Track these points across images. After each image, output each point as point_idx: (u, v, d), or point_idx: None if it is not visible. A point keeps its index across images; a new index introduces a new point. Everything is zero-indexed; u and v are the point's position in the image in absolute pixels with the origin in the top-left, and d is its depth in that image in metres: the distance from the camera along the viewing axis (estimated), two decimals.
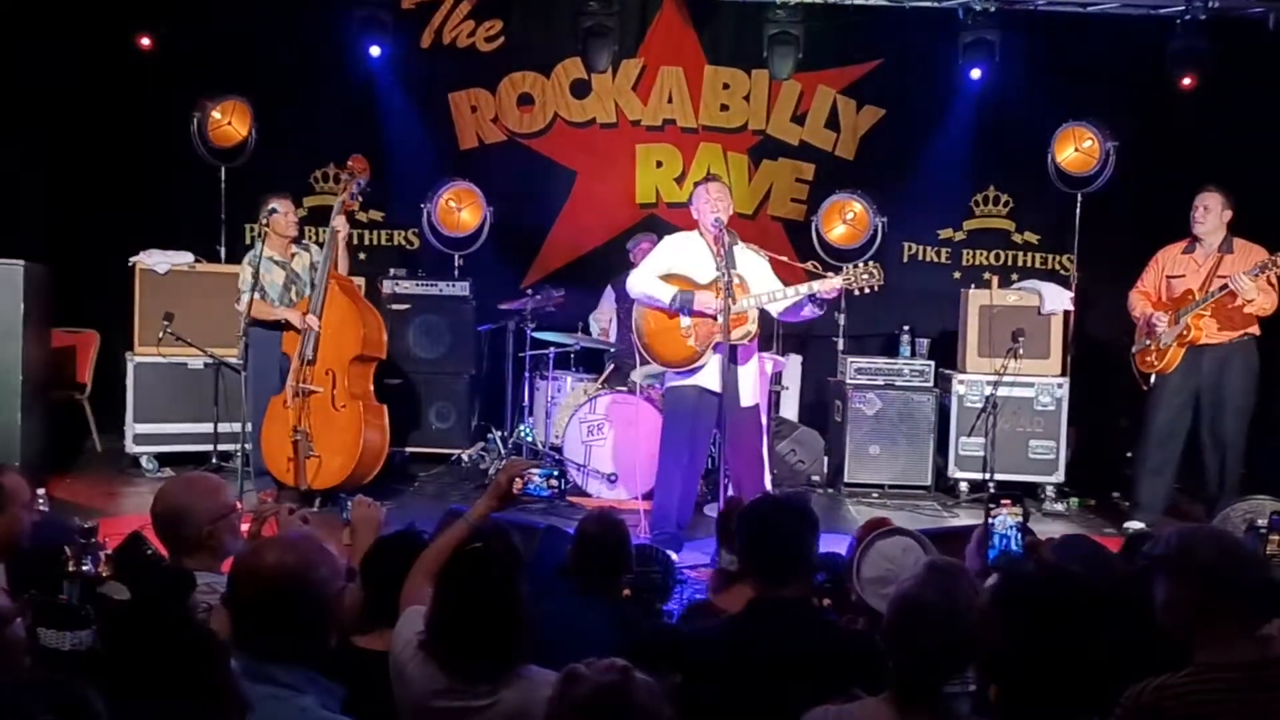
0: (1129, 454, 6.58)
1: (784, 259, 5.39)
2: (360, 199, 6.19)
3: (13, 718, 1.59)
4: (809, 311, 5.24)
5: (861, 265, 5.09)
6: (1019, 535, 2.82)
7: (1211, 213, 5.87)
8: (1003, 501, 2.82)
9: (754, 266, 5.23)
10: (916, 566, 2.37)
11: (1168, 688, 2.12)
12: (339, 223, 5.91)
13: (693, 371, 5.22)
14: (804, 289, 5.08)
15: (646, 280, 5.21)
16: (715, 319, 5.06)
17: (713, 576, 3.63)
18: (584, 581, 3.03)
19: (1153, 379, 6.01)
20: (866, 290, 5.11)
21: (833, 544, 3.90)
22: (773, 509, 2.73)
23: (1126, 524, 6.00)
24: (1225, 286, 5.64)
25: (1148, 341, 6.00)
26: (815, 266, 5.29)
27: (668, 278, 5.20)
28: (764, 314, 5.30)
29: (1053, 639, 2.07)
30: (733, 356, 5.06)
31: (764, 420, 5.93)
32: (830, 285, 5.04)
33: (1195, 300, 5.78)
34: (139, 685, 1.74)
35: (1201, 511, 5.88)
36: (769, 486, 5.52)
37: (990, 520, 2.78)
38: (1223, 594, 2.17)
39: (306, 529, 2.78)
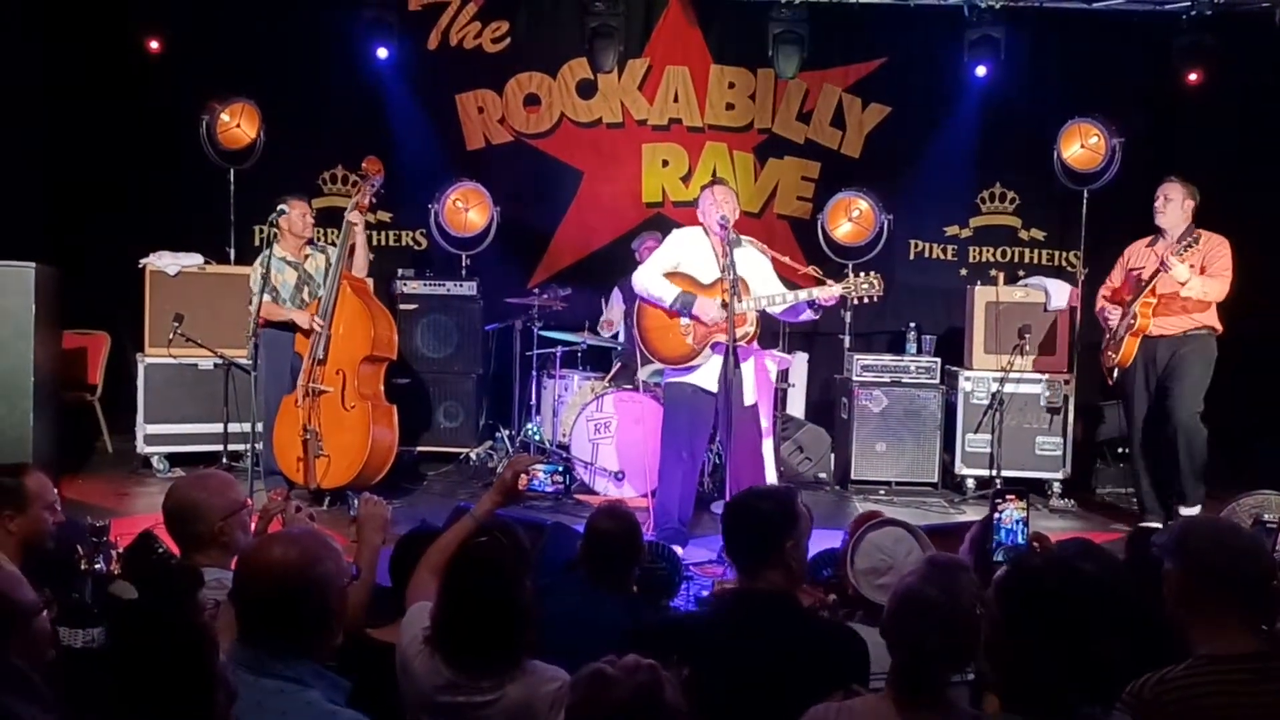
0: (1121, 449, 6.54)
1: (786, 259, 5.40)
2: (375, 200, 6.22)
3: None
4: (806, 315, 5.29)
5: (863, 275, 5.12)
6: (1024, 529, 2.83)
7: (1173, 203, 5.71)
8: (1008, 496, 2.84)
9: (756, 266, 5.25)
10: (915, 561, 2.38)
11: (1169, 681, 2.12)
12: (354, 216, 5.94)
13: (689, 369, 5.24)
14: (803, 295, 5.11)
15: (651, 278, 5.23)
16: (710, 326, 5.09)
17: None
18: (594, 576, 3.05)
19: (1115, 374, 5.92)
20: (866, 300, 5.14)
21: (837, 541, 3.92)
22: (751, 500, 2.73)
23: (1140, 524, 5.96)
24: (1157, 272, 5.53)
25: (1107, 336, 5.94)
26: (816, 271, 5.31)
27: (672, 275, 5.22)
28: (764, 313, 5.33)
29: (1057, 630, 2.09)
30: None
31: (768, 419, 5.94)
32: (829, 293, 5.07)
33: (1140, 288, 5.68)
34: (138, 680, 1.77)
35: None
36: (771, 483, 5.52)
37: (996, 515, 2.80)
38: (1215, 584, 2.17)
39: (311, 525, 2.81)
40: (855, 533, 3.06)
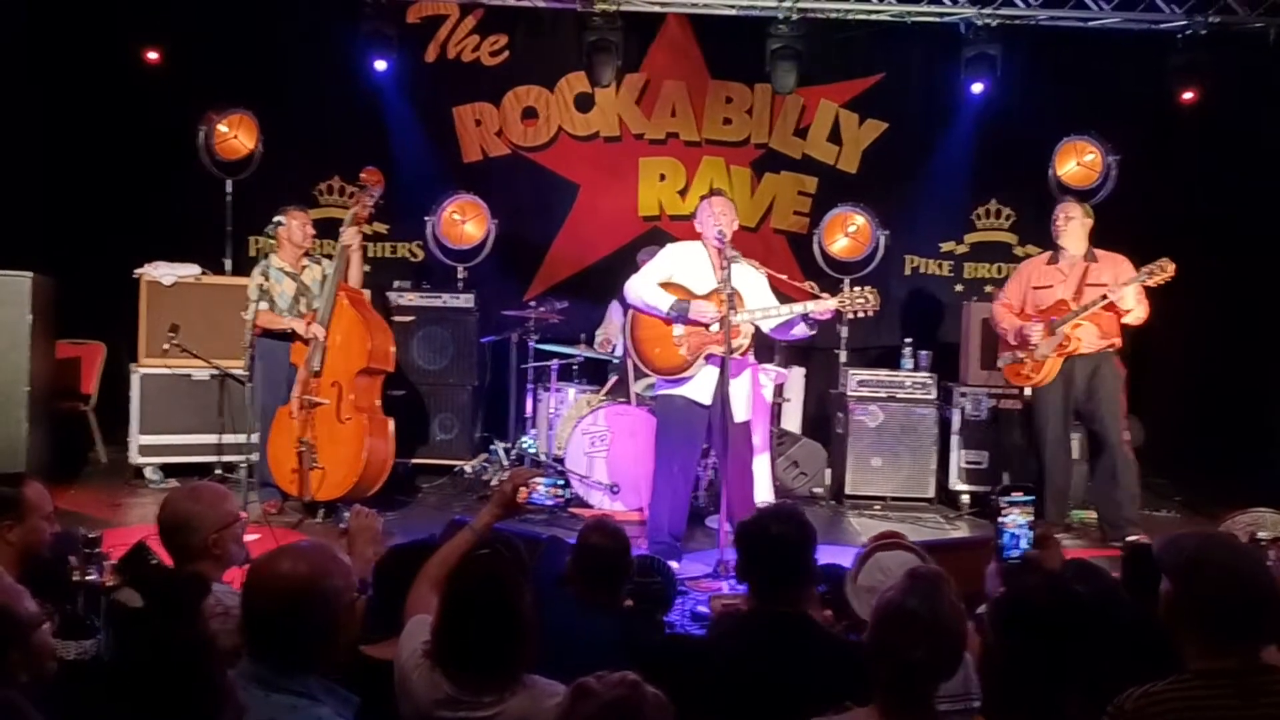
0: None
1: (783, 276, 5.39)
2: (373, 210, 6.21)
3: None
4: (800, 331, 5.26)
5: (858, 289, 5.13)
6: (1030, 533, 2.83)
7: (1074, 220, 5.90)
8: (1013, 492, 2.83)
9: (751, 282, 5.25)
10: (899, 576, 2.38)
11: (1153, 695, 2.11)
12: (349, 235, 5.93)
13: (682, 381, 5.23)
14: (798, 308, 5.11)
15: (645, 287, 5.23)
16: (708, 328, 5.08)
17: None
18: (585, 591, 3.03)
19: (1028, 393, 6.03)
20: (861, 314, 5.14)
21: (834, 556, 3.92)
22: (772, 522, 2.73)
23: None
24: (1105, 297, 5.64)
25: (1020, 355, 5.98)
26: (813, 287, 5.31)
27: (666, 286, 5.22)
28: (759, 328, 5.32)
29: (1051, 652, 2.09)
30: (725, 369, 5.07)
31: (764, 435, 5.93)
32: (825, 307, 5.07)
33: (1072, 310, 5.77)
34: (141, 692, 1.76)
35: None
36: (761, 500, 5.51)
37: (999, 519, 2.79)
38: (1210, 599, 2.14)
39: (319, 540, 2.79)
40: (868, 548, 3.06)
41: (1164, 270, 5.58)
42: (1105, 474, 5.91)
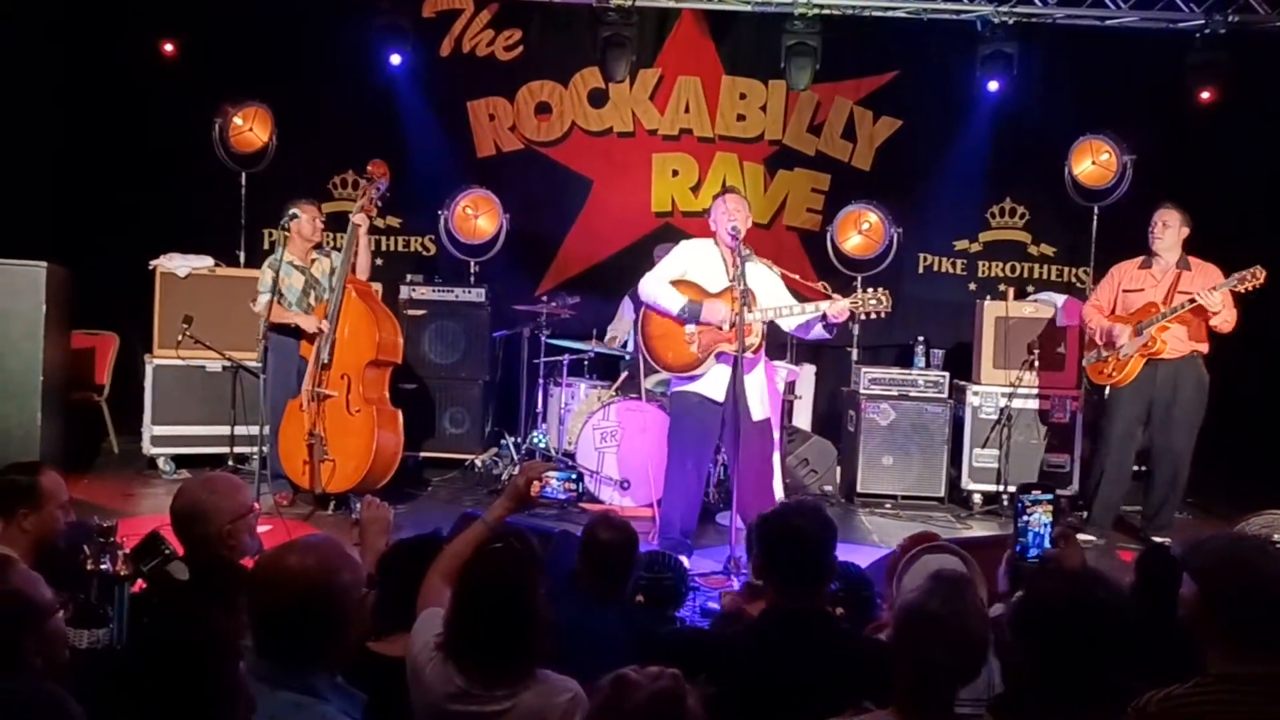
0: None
1: (796, 276, 5.39)
2: (380, 203, 6.22)
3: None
4: (819, 332, 5.26)
5: (870, 290, 5.12)
6: (1051, 533, 2.81)
7: (1170, 229, 5.91)
8: (1034, 490, 2.82)
9: (765, 281, 5.24)
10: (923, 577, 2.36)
11: (1176, 697, 2.09)
12: (359, 218, 5.94)
13: (694, 378, 5.23)
14: (810, 308, 5.11)
15: (658, 286, 5.23)
16: (720, 329, 5.08)
17: (745, 589, 3.64)
18: (592, 585, 3.03)
19: (1107, 391, 6.07)
20: (873, 315, 5.13)
21: (845, 554, 3.90)
22: (795, 516, 2.72)
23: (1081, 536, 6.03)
24: (1193, 300, 5.67)
25: (1105, 354, 6.02)
26: (825, 287, 5.31)
27: (679, 284, 5.22)
28: (776, 325, 5.31)
29: (1073, 655, 2.07)
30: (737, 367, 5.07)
31: (776, 433, 5.92)
32: (837, 308, 5.06)
33: (1161, 312, 5.81)
34: (160, 671, 1.75)
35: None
36: (778, 498, 5.50)
37: (1023, 518, 2.78)
38: (1223, 602, 2.13)
39: (329, 534, 2.79)
40: (908, 551, 3.04)
41: (1255, 277, 5.60)
42: (1165, 477, 5.98)
